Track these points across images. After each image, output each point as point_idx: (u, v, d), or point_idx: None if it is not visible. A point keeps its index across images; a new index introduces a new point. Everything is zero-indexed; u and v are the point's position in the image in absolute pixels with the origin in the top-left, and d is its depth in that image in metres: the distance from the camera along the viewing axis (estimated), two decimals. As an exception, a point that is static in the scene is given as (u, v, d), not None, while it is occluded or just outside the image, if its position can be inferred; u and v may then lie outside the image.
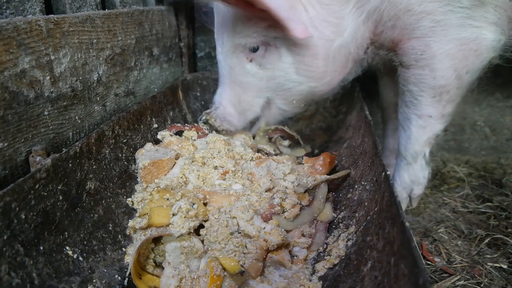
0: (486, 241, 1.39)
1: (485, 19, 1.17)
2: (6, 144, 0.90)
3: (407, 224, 0.69)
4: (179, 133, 1.51)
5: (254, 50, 1.38)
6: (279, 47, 1.35)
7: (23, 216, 0.83)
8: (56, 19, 1.05)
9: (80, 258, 0.94)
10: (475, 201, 1.67)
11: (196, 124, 1.58)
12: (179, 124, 1.56)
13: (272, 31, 1.32)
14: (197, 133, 1.49)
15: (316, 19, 1.26)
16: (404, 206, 1.51)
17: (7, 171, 0.91)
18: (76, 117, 1.16)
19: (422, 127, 1.32)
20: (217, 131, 1.54)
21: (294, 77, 1.39)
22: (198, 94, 1.94)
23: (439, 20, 1.17)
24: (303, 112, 1.88)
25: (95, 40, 1.22)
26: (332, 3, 1.25)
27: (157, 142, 1.43)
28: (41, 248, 0.86)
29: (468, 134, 2.12)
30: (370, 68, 1.49)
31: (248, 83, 1.46)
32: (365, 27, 1.26)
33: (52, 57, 1.03)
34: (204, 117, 1.55)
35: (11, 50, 0.90)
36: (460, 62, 1.20)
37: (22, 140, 0.95)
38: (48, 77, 1.02)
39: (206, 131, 1.53)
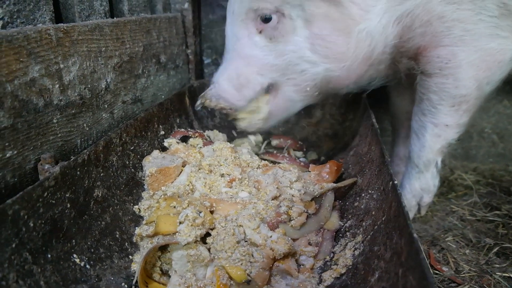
0: (495, 250, 1.38)
1: (511, 29, 1.17)
2: (15, 152, 0.91)
3: (415, 235, 0.69)
4: (185, 140, 1.52)
5: (266, 20, 1.28)
6: (294, 18, 1.26)
7: (32, 224, 0.84)
8: (65, 28, 1.06)
9: (87, 266, 0.94)
10: (483, 209, 1.66)
11: (199, 131, 1.59)
12: (183, 130, 1.56)
13: None
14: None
15: None
16: (412, 214, 1.50)
17: (16, 179, 0.92)
18: (84, 125, 1.17)
19: (437, 136, 1.32)
20: (215, 112, 1.45)
21: (308, 55, 1.28)
22: (205, 100, 1.95)
23: (470, 29, 1.18)
24: (309, 119, 1.89)
25: (104, 48, 1.23)
26: None
27: (164, 149, 1.44)
28: (49, 256, 0.86)
29: (476, 141, 2.11)
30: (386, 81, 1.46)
31: (253, 57, 1.34)
32: (393, 29, 1.24)
33: (61, 66, 1.04)
34: (199, 102, 1.45)
35: (21, 59, 0.91)
36: (483, 73, 1.21)
37: (31, 148, 0.96)
38: (57, 85, 1.03)
39: (208, 139, 1.53)
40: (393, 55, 1.33)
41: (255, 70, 1.35)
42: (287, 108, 1.43)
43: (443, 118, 1.28)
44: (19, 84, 0.91)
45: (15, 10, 0.99)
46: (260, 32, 1.31)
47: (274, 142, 1.66)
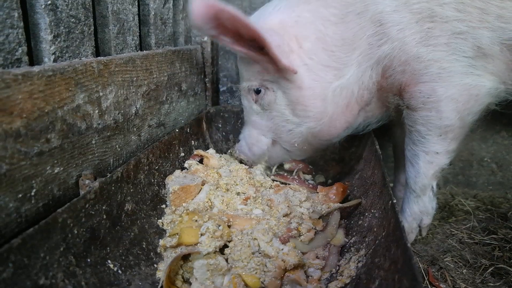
0: (490, 270, 1.47)
1: (485, 69, 1.30)
2: (62, 168, 1.04)
3: (408, 245, 0.81)
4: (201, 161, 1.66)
5: (257, 92, 1.55)
6: (275, 90, 1.50)
7: (76, 232, 0.96)
8: (105, 61, 1.21)
9: (119, 271, 1.06)
10: (481, 233, 1.75)
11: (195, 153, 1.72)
12: (195, 153, 1.69)
13: (265, 73, 1.47)
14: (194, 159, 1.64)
15: (317, 64, 1.41)
16: (414, 235, 1.60)
17: (61, 192, 1.05)
18: (117, 146, 1.30)
19: (429, 163, 1.43)
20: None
21: (291, 118, 1.52)
22: (220, 125, 2.09)
23: (445, 67, 1.29)
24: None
25: (135, 78, 1.38)
26: (338, 50, 1.39)
27: (183, 169, 1.57)
28: (89, 260, 0.99)
29: (476, 169, 2.22)
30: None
31: (255, 122, 1.63)
32: (374, 71, 1.39)
33: (101, 94, 1.19)
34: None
35: (70, 88, 1.06)
36: (462, 105, 1.32)
37: (74, 165, 1.09)
38: (97, 111, 1.18)
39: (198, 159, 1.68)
40: (379, 93, 1.47)
41: (259, 132, 1.64)
42: (282, 156, 1.70)
43: (433, 147, 1.40)
44: (67, 110, 1.05)
45: (65, 46, 1.14)
46: (256, 101, 1.58)
47: (287, 166, 1.78)
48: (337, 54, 1.39)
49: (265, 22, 1.42)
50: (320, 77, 1.42)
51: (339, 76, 1.41)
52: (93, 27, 1.25)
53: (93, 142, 1.17)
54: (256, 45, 1.33)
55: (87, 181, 1.09)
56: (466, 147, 2.19)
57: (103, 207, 1.08)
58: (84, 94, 1.11)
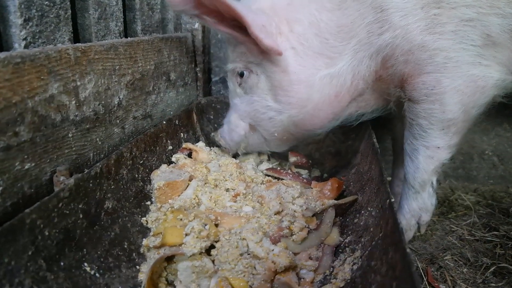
0: (492, 269, 1.41)
1: (494, 59, 1.22)
2: (33, 164, 0.96)
3: (408, 250, 0.73)
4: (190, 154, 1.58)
5: (241, 75, 1.48)
6: (259, 74, 1.43)
7: (47, 233, 0.89)
8: (83, 47, 1.12)
9: (97, 275, 0.99)
10: (481, 230, 1.69)
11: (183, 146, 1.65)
12: (184, 146, 1.62)
13: (250, 55, 1.40)
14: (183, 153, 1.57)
15: (306, 49, 1.34)
16: (412, 233, 1.53)
17: (32, 190, 0.97)
18: (97, 139, 1.22)
19: (429, 157, 1.36)
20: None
21: (272, 104, 1.44)
22: (212, 117, 2.01)
23: (452, 57, 1.21)
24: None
25: (118, 67, 1.30)
26: (333, 38, 1.31)
27: (171, 163, 1.49)
28: (62, 264, 0.91)
29: (477, 162, 2.15)
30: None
31: (236, 105, 1.57)
32: (373, 61, 1.31)
33: (78, 83, 1.11)
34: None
35: (42, 77, 0.97)
36: (467, 98, 1.25)
37: (48, 160, 1.01)
38: (74, 102, 1.09)
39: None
40: (377, 84, 1.39)
41: (237, 116, 1.57)
42: (260, 145, 1.62)
43: (434, 141, 1.33)
44: (39, 101, 0.97)
45: (37, 31, 1.06)
46: (240, 85, 1.52)
47: (292, 159, 1.70)
48: (331, 42, 1.32)
49: (256, 3, 1.36)
50: (308, 62, 1.35)
51: (330, 65, 1.34)
52: (70, 11, 1.16)
53: (70, 135, 1.09)
54: (239, 25, 1.27)
55: (62, 178, 1.01)
56: (467, 139, 2.12)
57: (80, 206, 1.00)
58: (58, 83, 1.03)
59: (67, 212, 0.96)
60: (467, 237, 1.64)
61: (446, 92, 1.25)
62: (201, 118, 1.94)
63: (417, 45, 1.22)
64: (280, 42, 1.33)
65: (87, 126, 1.17)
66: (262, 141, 1.58)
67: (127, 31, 1.54)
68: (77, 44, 1.12)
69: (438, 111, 1.28)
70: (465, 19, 1.18)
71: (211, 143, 1.89)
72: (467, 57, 1.21)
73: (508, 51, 1.22)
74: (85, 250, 0.99)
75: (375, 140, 1.41)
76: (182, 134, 1.70)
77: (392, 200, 0.96)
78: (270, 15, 1.33)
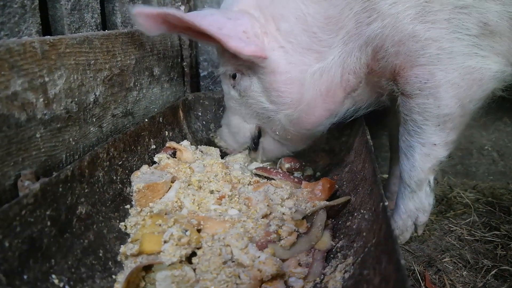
0: (493, 272, 1.33)
1: (492, 49, 1.13)
2: (-6, 168, 0.88)
3: (402, 262, 0.66)
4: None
5: (234, 77, 1.43)
6: (251, 76, 1.38)
7: (7, 244, 0.80)
8: (52, 40, 1.04)
9: (67, 287, 0.91)
10: (481, 229, 1.61)
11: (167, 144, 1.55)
12: (167, 145, 1.52)
13: (238, 59, 1.33)
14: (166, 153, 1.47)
15: (296, 47, 1.28)
16: (409, 234, 1.45)
17: (-6, 196, 0.89)
18: (70, 139, 1.14)
19: (426, 155, 1.28)
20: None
21: (268, 105, 1.40)
22: (200, 114, 1.93)
23: (446, 47, 1.13)
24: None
25: (93, 61, 1.21)
26: (321, 31, 1.24)
27: (154, 164, 1.41)
28: (25, 277, 0.83)
29: (476, 158, 2.08)
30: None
31: (234, 108, 1.53)
32: (362, 52, 1.23)
33: (46, 79, 1.02)
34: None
35: (2, 73, 0.89)
36: (464, 91, 1.17)
37: (12, 163, 0.93)
38: (42, 99, 1.01)
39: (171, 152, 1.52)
40: (369, 78, 1.31)
41: (241, 119, 1.54)
42: (276, 148, 1.58)
43: (430, 138, 1.25)
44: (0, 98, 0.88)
45: None
46: (234, 86, 1.47)
47: (286, 166, 1.62)
48: (320, 36, 1.24)
49: (240, 3, 1.30)
50: (298, 60, 1.28)
51: (319, 60, 1.27)
52: (37, 1, 1.07)
53: (38, 135, 1.01)
54: None
55: (27, 182, 0.93)
56: (465, 134, 2.04)
57: (47, 213, 0.92)
58: (22, 79, 0.94)
59: (32, 220, 0.87)
60: (466, 237, 1.56)
61: (441, 86, 1.17)
62: (188, 115, 1.86)
63: (407, 35, 1.14)
64: (267, 43, 1.28)
65: (58, 125, 1.08)
66: (275, 144, 1.56)
67: (106, 24, 1.45)
68: (44, 37, 1.04)
69: (432, 106, 1.20)
70: (459, 5, 1.09)
71: (198, 141, 1.81)
72: (462, 48, 1.12)
73: (507, 41, 1.13)
74: (53, 260, 0.91)
75: (369, 137, 1.33)
76: (167, 132, 1.62)
77: (386, 203, 0.88)
78: (255, 14, 1.28)
